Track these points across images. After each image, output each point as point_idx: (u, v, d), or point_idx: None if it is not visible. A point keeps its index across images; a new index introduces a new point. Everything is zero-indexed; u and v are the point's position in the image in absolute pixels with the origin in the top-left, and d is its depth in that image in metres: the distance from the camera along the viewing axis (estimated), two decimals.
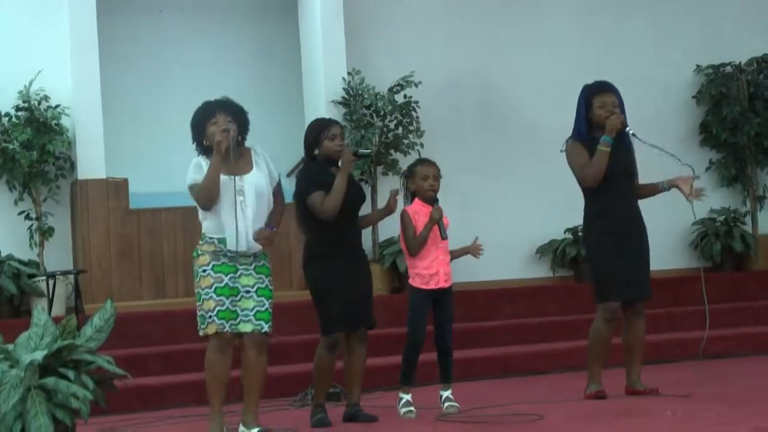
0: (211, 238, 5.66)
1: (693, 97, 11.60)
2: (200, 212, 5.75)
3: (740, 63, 11.46)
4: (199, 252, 5.68)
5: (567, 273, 10.83)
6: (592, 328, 6.58)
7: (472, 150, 10.89)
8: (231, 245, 5.59)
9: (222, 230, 5.62)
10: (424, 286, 6.33)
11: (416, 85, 10.23)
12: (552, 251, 10.75)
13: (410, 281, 6.41)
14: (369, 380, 6.78)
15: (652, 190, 6.76)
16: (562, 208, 9.94)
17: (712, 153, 11.59)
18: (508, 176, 10.84)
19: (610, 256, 6.52)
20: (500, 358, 8.59)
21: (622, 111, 6.64)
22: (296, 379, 7.38)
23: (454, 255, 6.49)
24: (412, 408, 6.32)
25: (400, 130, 10.35)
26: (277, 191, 5.85)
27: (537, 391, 7.12)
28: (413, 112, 10.35)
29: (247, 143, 5.89)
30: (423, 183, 6.39)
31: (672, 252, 11.35)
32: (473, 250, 6.55)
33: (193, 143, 5.81)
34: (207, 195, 5.62)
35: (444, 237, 6.35)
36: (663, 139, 11.29)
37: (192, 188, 5.68)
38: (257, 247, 5.65)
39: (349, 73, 10.30)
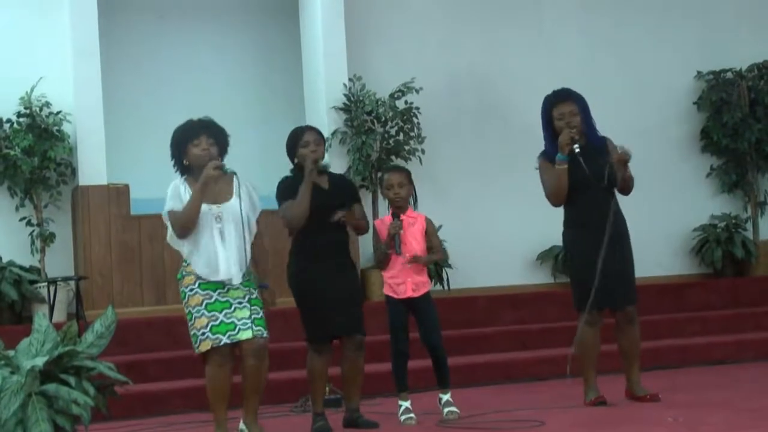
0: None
1: (694, 103, 11.60)
2: (172, 238, 5.66)
3: (741, 69, 11.46)
4: (184, 273, 5.63)
5: (568, 279, 10.78)
6: (577, 336, 6.51)
7: (473, 155, 10.90)
8: (205, 275, 5.52)
9: (199, 258, 5.55)
10: (394, 295, 6.35)
11: (417, 92, 10.23)
12: (553, 257, 10.74)
13: (384, 290, 6.43)
14: (370, 386, 6.77)
15: (620, 176, 6.35)
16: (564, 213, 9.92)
17: (713, 159, 11.60)
18: (509, 181, 10.82)
19: (582, 265, 6.42)
20: (501, 363, 8.58)
21: (587, 117, 6.42)
22: (297, 385, 7.36)
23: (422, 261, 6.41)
24: (412, 415, 6.30)
25: (401, 136, 10.35)
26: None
27: (538, 398, 7.10)
28: (414, 119, 10.35)
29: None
30: (388, 192, 6.44)
31: (673, 258, 11.37)
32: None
33: (171, 160, 5.73)
34: (185, 225, 5.53)
35: (397, 252, 6.29)
36: (664, 145, 11.47)
37: (168, 215, 5.60)
38: (238, 277, 5.58)
39: (350, 79, 10.30)
